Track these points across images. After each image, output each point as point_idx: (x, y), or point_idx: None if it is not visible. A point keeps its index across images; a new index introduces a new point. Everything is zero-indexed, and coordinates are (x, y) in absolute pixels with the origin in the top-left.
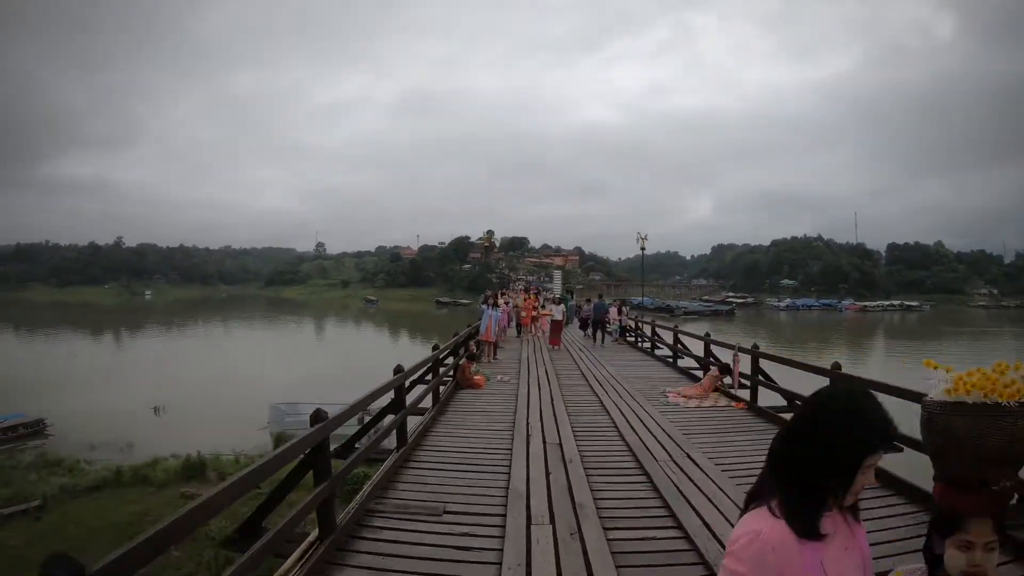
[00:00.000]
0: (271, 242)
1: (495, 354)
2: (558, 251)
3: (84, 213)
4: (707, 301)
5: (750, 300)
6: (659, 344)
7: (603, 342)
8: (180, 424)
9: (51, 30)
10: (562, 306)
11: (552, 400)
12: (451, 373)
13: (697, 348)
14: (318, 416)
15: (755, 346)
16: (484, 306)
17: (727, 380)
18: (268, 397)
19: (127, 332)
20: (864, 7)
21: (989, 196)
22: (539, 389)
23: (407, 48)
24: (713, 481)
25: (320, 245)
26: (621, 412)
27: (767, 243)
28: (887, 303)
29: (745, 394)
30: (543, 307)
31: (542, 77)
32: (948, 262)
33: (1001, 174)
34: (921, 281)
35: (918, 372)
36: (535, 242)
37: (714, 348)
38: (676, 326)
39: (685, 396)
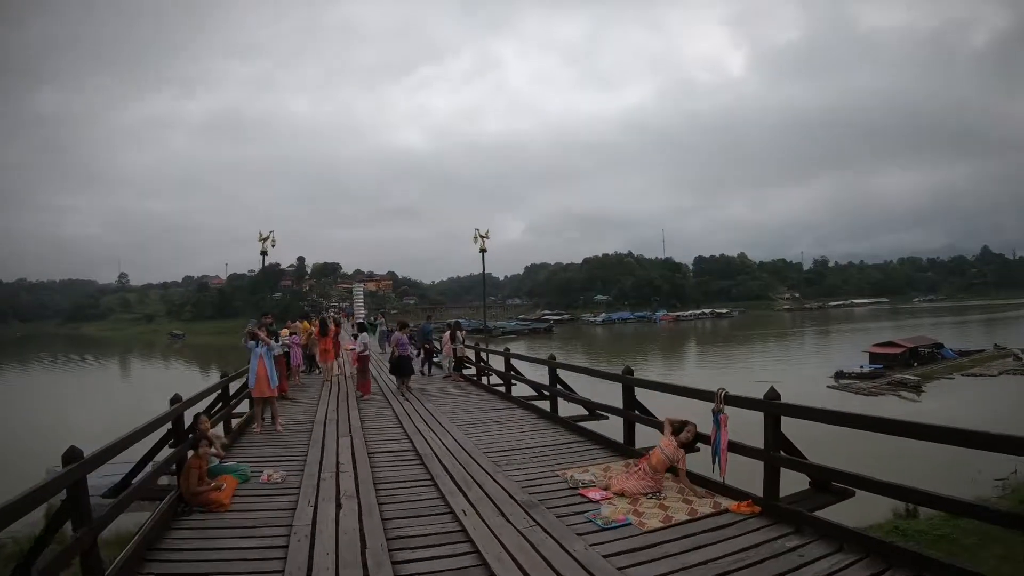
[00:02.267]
0: (71, 274)
1: (274, 419)
2: (371, 276)
3: None
4: (524, 320)
5: (566, 316)
6: (516, 381)
7: (428, 372)
8: None
9: None
10: (365, 335)
11: (363, 539)
12: (175, 471)
13: (590, 390)
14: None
15: (772, 393)
16: (251, 344)
17: (675, 446)
18: (47, 459)
19: None
20: (659, 43)
21: (783, 211)
22: (337, 504)
23: (216, 68)
24: None
25: (123, 276)
26: (522, 569)
27: (579, 261)
28: (699, 312)
29: (739, 478)
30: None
31: (353, 102)
32: (752, 271)
33: (792, 192)
34: (727, 290)
35: None
36: (348, 268)
37: (646, 395)
38: (552, 356)
39: (624, 493)
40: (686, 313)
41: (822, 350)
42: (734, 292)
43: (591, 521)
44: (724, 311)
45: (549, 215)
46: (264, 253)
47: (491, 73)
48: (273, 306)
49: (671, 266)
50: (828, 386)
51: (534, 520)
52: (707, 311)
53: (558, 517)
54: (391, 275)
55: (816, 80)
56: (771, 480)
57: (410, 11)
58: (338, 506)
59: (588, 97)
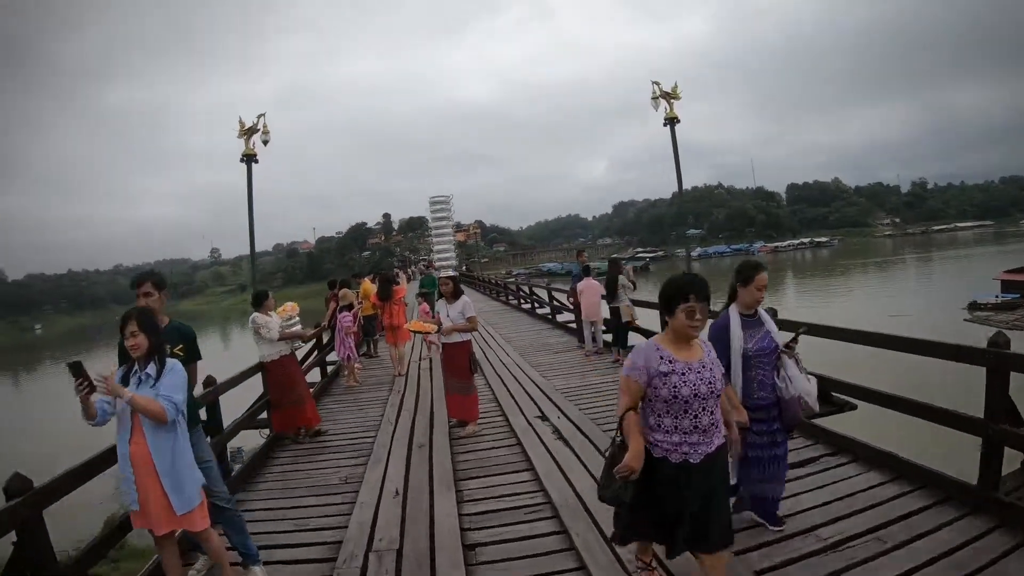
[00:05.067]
0: (165, 254)
1: None
2: (459, 226)
3: None
4: (618, 259)
5: (660, 253)
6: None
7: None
8: None
9: None
10: (469, 300)
11: None
12: None
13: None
14: None
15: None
16: (106, 405)
17: None
18: None
19: None
20: None
21: (868, 133)
22: None
23: (280, 48)
24: None
25: (215, 251)
26: None
27: (667, 196)
28: (797, 242)
29: None
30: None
31: (414, 62)
32: (848, 196)
33: (874, 112)
34: (824, 217)
35: None
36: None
37: None
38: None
39: None
40: (784, 243)
41: (941, 278)
42: (831, 219)
43: None
44: (823, 240)
45: (629, 152)
46: (249, 157)
47: (544, 20)
48: (363, 265)
49: (763, 195)
50: (965, 319)
51: None
52: (806, 240)
53: None
54: (479, 224)
55: None
56: None
57: None
58: None
59: (645, 32)
